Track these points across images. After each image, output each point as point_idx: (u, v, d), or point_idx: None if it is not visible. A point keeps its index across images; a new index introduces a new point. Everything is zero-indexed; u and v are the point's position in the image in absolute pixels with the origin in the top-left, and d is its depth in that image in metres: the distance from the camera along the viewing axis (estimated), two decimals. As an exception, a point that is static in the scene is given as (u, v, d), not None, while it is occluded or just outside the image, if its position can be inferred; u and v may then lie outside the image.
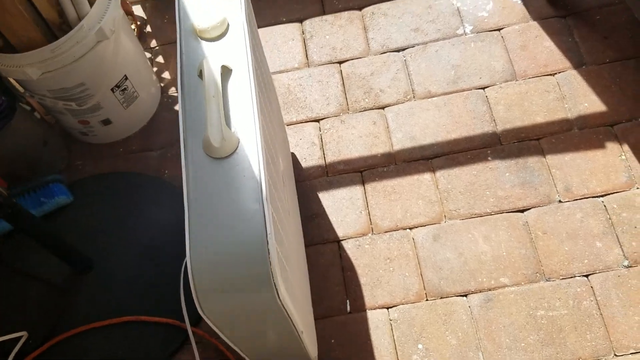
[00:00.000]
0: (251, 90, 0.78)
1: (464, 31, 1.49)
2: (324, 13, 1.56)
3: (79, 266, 1.20)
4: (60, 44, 1.11)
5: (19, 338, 1.13)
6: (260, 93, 0.83)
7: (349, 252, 1.26)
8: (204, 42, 0.82)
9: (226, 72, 0.79)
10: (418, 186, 1.31)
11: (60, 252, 1.13)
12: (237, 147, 0.74)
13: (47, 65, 1.12)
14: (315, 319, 1.19)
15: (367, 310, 1.19)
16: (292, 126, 1.42)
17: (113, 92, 1.29)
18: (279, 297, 0.71)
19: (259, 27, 1.55)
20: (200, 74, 0.78)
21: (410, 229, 1.27)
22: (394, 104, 1.42)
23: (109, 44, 1.21)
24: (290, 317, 0.78)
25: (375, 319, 1.18)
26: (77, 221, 1.29)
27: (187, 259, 0.69)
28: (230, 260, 0.69)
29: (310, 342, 0.98)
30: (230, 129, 0.74)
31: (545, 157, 1.30)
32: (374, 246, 1.26)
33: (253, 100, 0.77)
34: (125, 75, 1.29)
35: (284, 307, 0.75)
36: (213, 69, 0.77)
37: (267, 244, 0.69)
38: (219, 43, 0.82)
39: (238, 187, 0.72)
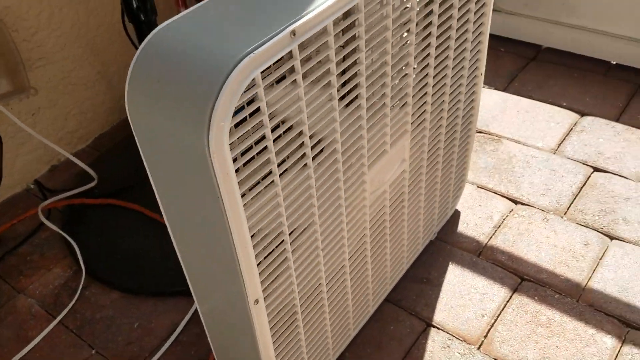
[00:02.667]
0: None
1: None
2: (616, 120, 1.20)
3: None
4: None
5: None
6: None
7: (430, 344, 0.85)
8: None
9: None
10: (586, 343, 0.83)
11: None
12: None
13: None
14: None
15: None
16: (481, 190, 1.09)
17: None
18: (208, 150, 0.45)
19: (532, 98, 1.28)
20: None
21: (532, 382, 0.80)
22: (630, 243, 0.96)
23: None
24: (226, 217, 0.50)
25: None
26: None
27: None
28: (194, 49, 0.47)
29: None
30: None
31: None
32: (466, 363, 0.83)
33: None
34: None
35: (218, 186, 0.48)
36: None
37: (239, 62, 0.44)
38: None
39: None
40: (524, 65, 1.38)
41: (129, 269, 1.02)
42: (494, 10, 1.46)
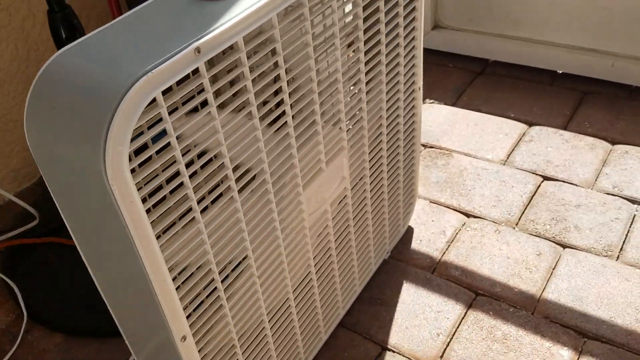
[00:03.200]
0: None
1: None
2: (564, 128, 1.21)
3: None
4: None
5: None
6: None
7: (384, 368, 0.83)
8: None
9: None
10: (543, 357, 0.81)
11: None
12: None
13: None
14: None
15: None
16: (433, 204, 1.07)
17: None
18: (106, 178, 0.43)
19: (481, 111, 1.28)
20: None
21: (490, 400, 0.77)
22: (583, 250, 0.95)
23: None
24: (136, 249, 0.47)
25: None
26: None
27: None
28: (89, 72, 0.45)
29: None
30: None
31: None
32: (422, 385, 0.80)
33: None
34: None
35: (122, 216, 0.45)
36: None
37: (135, 82, 0.42)
38: None
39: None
40: (472, 79, 1.38)
41: (71, 309, 0.97)
42: (440, 27, 1.47)
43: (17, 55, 1.21)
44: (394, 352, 0.84)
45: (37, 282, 1.03)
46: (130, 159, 0.43)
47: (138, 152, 0.45)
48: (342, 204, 0.78)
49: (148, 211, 0.47)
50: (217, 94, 0.51)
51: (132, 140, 0.42)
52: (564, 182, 1.09)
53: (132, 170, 0.44)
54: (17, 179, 1.28)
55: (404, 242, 1.01)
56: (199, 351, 0.59)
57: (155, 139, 0.46)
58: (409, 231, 1.02)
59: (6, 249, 1.10)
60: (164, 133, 0.46)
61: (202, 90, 0.48)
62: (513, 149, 1.17)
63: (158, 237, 0.48)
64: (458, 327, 0.87)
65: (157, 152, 0.48)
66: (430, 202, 1.08)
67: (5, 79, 1.20)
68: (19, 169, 1.27)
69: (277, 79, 0.57)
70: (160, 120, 0.45)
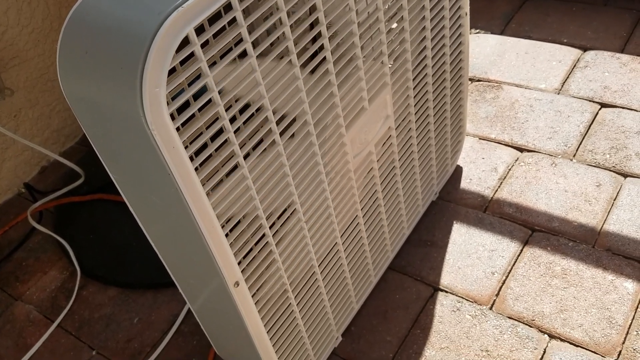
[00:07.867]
0: None
1: None
2: (621, 51, 1.12)
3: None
4: None
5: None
6: None
7: (438, 309, 0.81)
8: None
9: None
10: (605, 290, 0.78)
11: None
12: None
13: None
14: (337, 353, 0.78)
15: (403, 396, 0.73)
16: (483, 141, 1.02)
17: None
18: (146, 123, 0.40)
19: (531, 38, 1.20)
20: None
21: (552, 337, 0.75)
22: (646, 179, 0.90)
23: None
24: (177, 185, 0.45)
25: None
26: None
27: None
28: (118, 12, 0.42)
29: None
30: None
31: None
32: (480, 324, 0.78)
33: None
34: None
35: (162, 154, 0.43)
36: None
37: (166, 18, 0.39)
38: None
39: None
40: (520, 4, 1.30)
41: (123, 263, 0.99)
42: (481, -50, 1.37)
43: (49, 14, 1.20)
44: (447, 292, 0.82)
45: (88, 238, 1.04)
46: (167, 104, 0.41)
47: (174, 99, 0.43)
48: (387, 145, 0.75)
49: (191, 158, 0.45)
50: (254, 44, 0.47)
51: (173, 98, 0.40)
52: (623, 108, 1.01)
53: (172, 117, 0.41)
54: (60, 139, 1.29)
55: (453, 182, 0.97)
56: (252, 296, 0.58)
57: (196, 93, 0.44)
58: (458, 170, 0.98)
59: (55, 208, 1.12)
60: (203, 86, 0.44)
61: (240, 41, 0.45)
62: (567, 77, 1.10)
63: (204, 183, 0.46)
64: (514, 264, 0.83)
65: (195, 98, 0.45)
66: (480, 138, 1.03)
67: (39, 38, 1.19)
68: (61, 129, 1.28)
69: (313, 8, 0.53)
70: (199, 76, 0.42)
